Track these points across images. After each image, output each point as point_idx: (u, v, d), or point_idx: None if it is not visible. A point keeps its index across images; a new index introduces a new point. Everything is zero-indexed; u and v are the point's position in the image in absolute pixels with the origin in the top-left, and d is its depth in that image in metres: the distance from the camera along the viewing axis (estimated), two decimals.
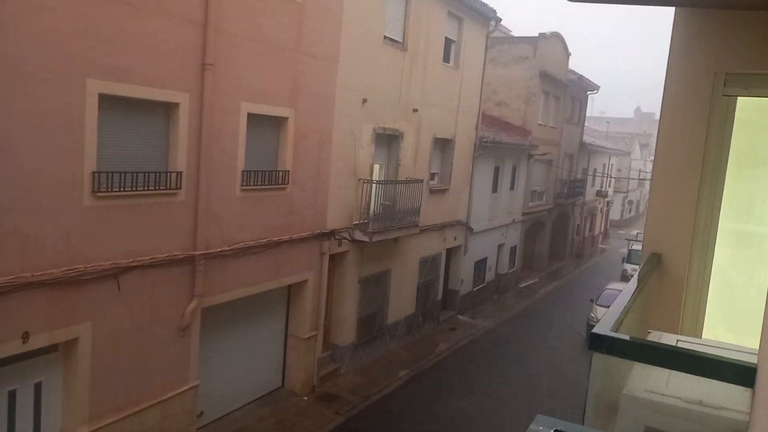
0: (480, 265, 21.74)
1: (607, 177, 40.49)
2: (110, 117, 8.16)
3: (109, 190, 8.19)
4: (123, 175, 8.38)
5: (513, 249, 24.88)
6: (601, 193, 39.38)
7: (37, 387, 7.97)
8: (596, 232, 40.79)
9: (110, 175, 8.19)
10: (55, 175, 7.50)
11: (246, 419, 11.30)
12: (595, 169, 37.06)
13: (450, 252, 19.45)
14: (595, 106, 41.37)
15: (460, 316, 19.95)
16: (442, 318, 19.16)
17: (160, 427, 9.36)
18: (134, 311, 8.80)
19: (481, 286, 21.90)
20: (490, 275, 22.67)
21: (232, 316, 11.06)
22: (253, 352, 11.87)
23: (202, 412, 10.46)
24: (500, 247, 23.39)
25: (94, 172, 7.91)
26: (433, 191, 17.20)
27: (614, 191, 45.53)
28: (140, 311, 8.90)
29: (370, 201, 13.87)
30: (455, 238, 19.26)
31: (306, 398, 12.59)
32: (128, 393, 8.83)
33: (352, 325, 14.41)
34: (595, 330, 2.38)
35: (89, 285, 8.09)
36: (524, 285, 25.74)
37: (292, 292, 12.72)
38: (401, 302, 16.56)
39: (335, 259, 13.63)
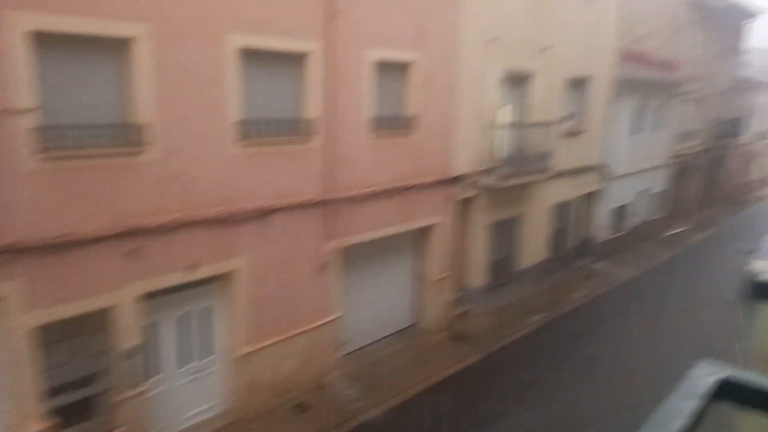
0: (620, 212, 20.55)
1: None
2: (250, 69, 8.84)
3: (253, 137, 8.95)
4: (263, 123, 9.10)
5: (657, 195, 23.11)
6: (761, 135, 34.83)
7: (205, 311, 9.16)
8: (754, 178, 36.33)
9: (253, 123, 8.95)
10: (207, 124, 8.37)
11: (383, 351, 12.01)
12: (754, 108, 32.77)
13: (586, 197, 18.60)
14: (758, 36, 36.10)
15: (597, 265, 19.14)
16: (577, 265, 18.54)
17: (307, 352, 10.31)
18: (280, 249, 9.66)
19: (620, 233, 20.74)
20: (631, 222, 21.36)
21: (367, 256, 11.69)
22: (387, 290, 12.49)
23: (344, 342, 11.31)
24: (643, 192, 21.85)
25: (239, 121, 8.69)
26: (566, 134, 16.45)
27: None
28: (285, 249, 9.74)
29: (498, 145, 13.65)
30: (592, 183, 18.34)
31: (439, 336, 13.02)
32: (279, 321, 9.80)
33: (483, 269, 14.50)
34: (763, 279, 2.36)
35: (242, 224, 9.01)
36: (669, 233, 23.89)
37: (422, 235, 13.07)
38: (533, 248, 16.28)
39: (465, 204, 13.71)
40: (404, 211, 11.90)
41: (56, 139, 6.94)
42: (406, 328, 13.13)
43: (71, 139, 7.09)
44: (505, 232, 15.04)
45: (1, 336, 6.80)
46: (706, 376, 1.37)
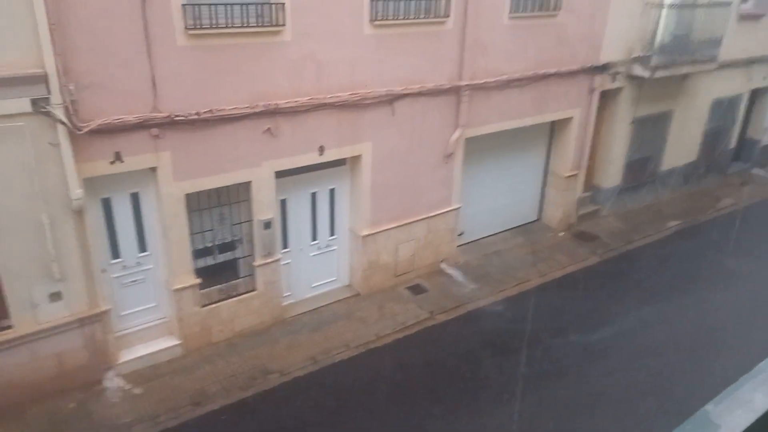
0: None
1: None
2: None
3: (385, 18, 8.65)
4: (396, 3, 8.71)
5: None
6: None
7: (331, 192, 9.63)
8: None
9: (386, 3, 8.60)
10: (341, 3, 8.18)
11: (501, 244, 12.03)
12: None
13: (756, 93, 16.16)
14: None
15: (757, 170, 17.03)
16: (731, 170, 16.64)
17: (426, 239, 10.61)
18: (405, 136, 9.64)
19: None
20: None
21: (493, 148, 11.34)
22: (511, 184, 12.19)
23: (462, 232, 11.46)
24: None
25: (372, 0, 8.39)
26: (743, 17, 14.02)
27: None
28: (410, 136, 9.71)
29: (657, 30, 12.00)
30: (765, 77, 15.79)
31: (562, 234, 12.70)
32: (400, 207, 10.07)
33: (619, 168, 13.53)
34: None
35: (369, 109, 9.04)
36: None
37: (555, 129, 12.33)
38: (681, 148, 14.75)
39: (607, 97, 12.55)
40: (539, 102, 11.18)
41: (204, 17, 7.21)
42: (529, 223, 12.91)
43: (217, 17, 7.32)
44: (650, 129, 13.69)
45: (156, 202, 7.71)
46: None
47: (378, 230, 9.89)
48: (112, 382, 7.76)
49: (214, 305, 8.55)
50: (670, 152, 14.51)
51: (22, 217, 6.62)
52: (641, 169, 14.06)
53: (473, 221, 11.67)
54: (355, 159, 9.38)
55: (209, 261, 8.53)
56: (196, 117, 7.49)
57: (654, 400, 7.91)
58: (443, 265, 11.02)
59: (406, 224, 10.22)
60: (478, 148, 10.91)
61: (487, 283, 10.69)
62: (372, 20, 8.53)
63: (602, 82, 12.02)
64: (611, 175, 13.45)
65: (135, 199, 7.73)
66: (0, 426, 7.00)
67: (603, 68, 11.87)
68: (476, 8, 9.48)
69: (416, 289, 10.38)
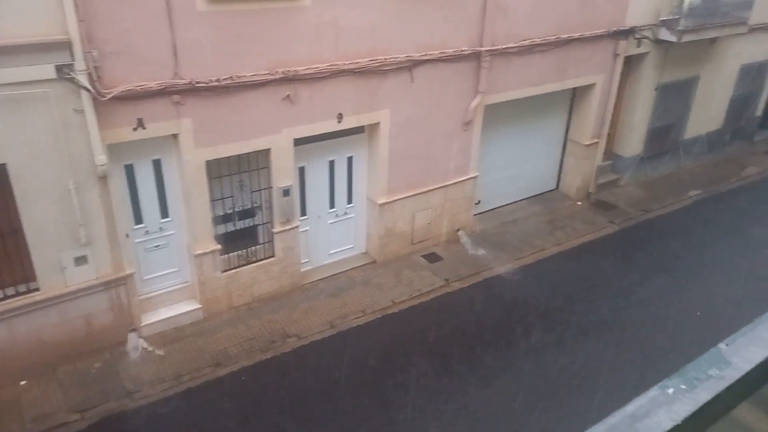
0: None
1: None
2: None
3: None
4: None
5: None
6: None
7: (349, 160, 9.64)
8: None
9: None
10: None
11: (518, 213, 12.01)
12: None
13: None
14: None
15: None
16: (757, 138, 16.27)
17: (443, 207, 10.63)
18: (424, 103, 9.56)
19: None
20: None
21: (512, 115, 11.20)
22: (530, 152, 12.08)
23: (479, 201, 11.44)
24: None
25: None
26: None
27: None
28: (429, 103, 9.62)
29: None
30: None
31: (580, 203, 12.63)
32: (417, 175, 10.06)
33: (641, 136, 13.31)
34: None
35: (388, 76, 8.95)
36: None
37: (576, 96, 12.11)
38: (706, 116, 14.43)
39: (631, 62, 12.25)
40: (561, 68, 10.96)
41: None
42: (547, 192, 12.84)
43: None
44: (675, 96, 13.38)
45: (178, 169, 7.80)
46: None
47: (395, 198, 9.92)
48: (137, 342, 8.03)
49: (234, 270, 8.72)
50: (695, 119, 14.21)
51: (49, 183, 6.77)
52: (664, 136, 13.81)
53: (491, 189, 11.63)
54: (373, 126, 9.34)
55: (229, 227, 8.67)
56: (216, 84, 7.49)
57: (670, 362, 7.97)
58: (460, 234, 11.06)
59: (423, 192, 10.23)
60: (497, 115, 10.78)
61: (504, 251, 10.74)
62: None
63: (627, 46, 11.71)
64: (632, 143, 13.24)
65: (157, 165, 7.83)
66: (34, 382, 7.33)
67: (628, 32, 11.56)
68: None
69: (432, 257, 10.47)
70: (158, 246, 8.22)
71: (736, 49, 13.80)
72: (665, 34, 11.81)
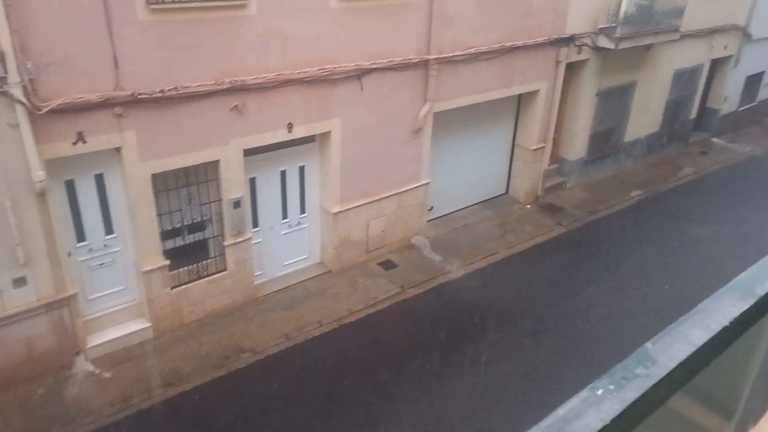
0: (753, 81, 18.21)
1: None
2: None
3: None
4: None
5: None
6: None
7: (301, 169, 9.57)
8: None
9: None
10: None
11: (470, 218, 12.20)
12: None
13: (716, 63, 16.53)
14: None
15: (716, 139, 17.55)
16: (692, 140, 17.10)
17: (396, 214, 10.68)
18: (374, 111, 9.60)
19: (750, 105, 18.58)
20: (764, 93, 18.96)
21: (461, 122, 11.39)
22: (480, 158, 12.31)
23: (432, 207, 11.57)
24: None
25: None
26: None
27: None
28: (379, 111, 9.67)
29: (621, 0, 12.10)
30: (725, 47, 16.15)
31: (529, 207, 12.94)
32: (370, 183, 10.08)
33: (584, 140, 13.77)
34: None
35: (337, 84, 8.95)
36: None
37: (522, 102, 12.43)
38: (644, 119, 15.07)
39: (572, 69, 12.68)
40: (506, 75, 11.23)
41: None
42: (496, 197, 13.09)
43: None
44: (615, 101, 13.93)
45: (122, 183, 7.56)
46: None
47: (348, 207, 9.91)
48: (82, 366, 7.70)
49: (184, 286, 8.50)
50: (634, 123, 14.82)
51: None
52: (606, 140, 14.34)
53: (443, 196, 11.77)
54: (325, 135, 9.31)
55: (178, 242, 8.44)
56: (160, 95, 7.31)
57: (616, 359, 8.23)
58: (414, 240, 11.14)
59: (376, 200, 10.26)
60: (447, 122, 10.94)
61: (457, 256, 10.87)
62: None
63: (568, 53, 12.12)
64: (576, 147, 13.69)
65: (100, 180, 7.56)
66: None
67: (569, 40, 11.96)
68: None
69: (387, 265, 10.50)
70: (103, 264, 7.93)
71: (669, 55, 14.49)
72: (604, 42, 12.28)
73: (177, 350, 8.16)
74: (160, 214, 7.95)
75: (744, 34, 16.35)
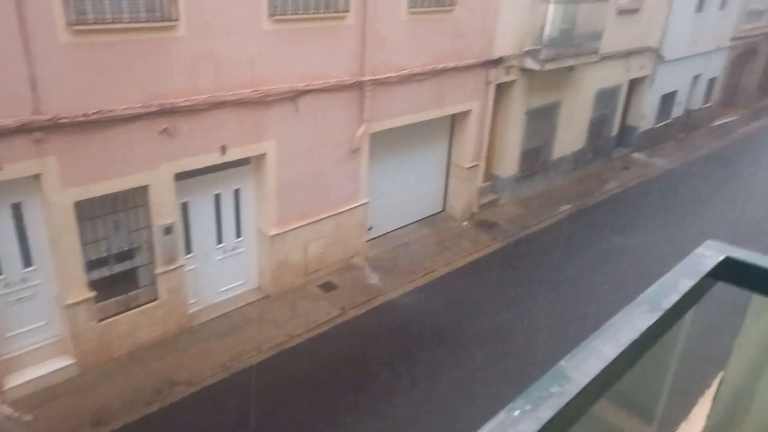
0: (667, 99, 19.47)
1: None
2: None
3: (284, 13, 8.51)
4: None
5: (711, 81, 21.66)
6: None
7: (236, 192, 9.37)
8: None
9: None
10: None
11: (408, 236, 12.30)
12: None
13: (633, 83, 17.57)
14: None
15: (636, 155, 18.58)
16: (614, 155, 18.04)
17: (335, 235, 10.62)
18: (310, 132, 9.57)
19: (665, 122, 19.83)
20: (678, 110, 20.30)
21: (397, 142, 11.53)
22: (416, 177, 12.47)
23: (371, 227, 11.58)
24: (696, 78, 20.48)
25: None
26: (621, 12, 15.16)
27: None
28: (315, 133, 9.65)
29: (545, 24, 12.69)
30: (641, 67, 17.21)
31: (465, 224, 13.20)
32: (308, 205, 10.00)
33: (515, 158, 14.25)
34: None
35: (272, 106, 8.87)
36: (719, 123, 22.73)
37: (455, 122, 12.73)
38: (570, 137, 15.77)
39: (502, 89, 13.13)
40: (439, 96, 11.49)
41: (88, 12, 6.72)
42: (434, 215, 13.28)
43: (103, 11, 6.85)
44: (542, 120, 14.52)
45: (43, 211, 7.15)
46: (709, 255, 1.31)
47: (286, 229, 9.77)
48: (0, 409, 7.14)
49: (111, 319, 8.08)
50: (561, 141, 15.47)
51: None
52: (535, 157, 14.89)
53: (381, 215, 11.82)
54: (260, 158, 9.18)
55: (105, 272, 8.03)
56: (83, 119, 7.00)
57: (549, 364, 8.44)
58: (353, 261, 11.10)
59: (314, 222, 10.18)
60: (384, 142, 11.04)
61: (397, 275, 10.91)
62: (271, 15, 8.36)
63: (497, 75, 12.55)
64: (508, 164, 14.13)
65: (17, 209, 7.11)
66: None
67: (497, 62, 12.40)
68: (375, 3, 9.55)
69: (327, 287, 10.39)
70: (21, 298, 7.42)
71: (591, 76, 15.27)
72: (530, 63, 12.81)
73: (105, 386, 7.72)
74: (84, 244, 7.56)
75: (657, 55, 17.49)
